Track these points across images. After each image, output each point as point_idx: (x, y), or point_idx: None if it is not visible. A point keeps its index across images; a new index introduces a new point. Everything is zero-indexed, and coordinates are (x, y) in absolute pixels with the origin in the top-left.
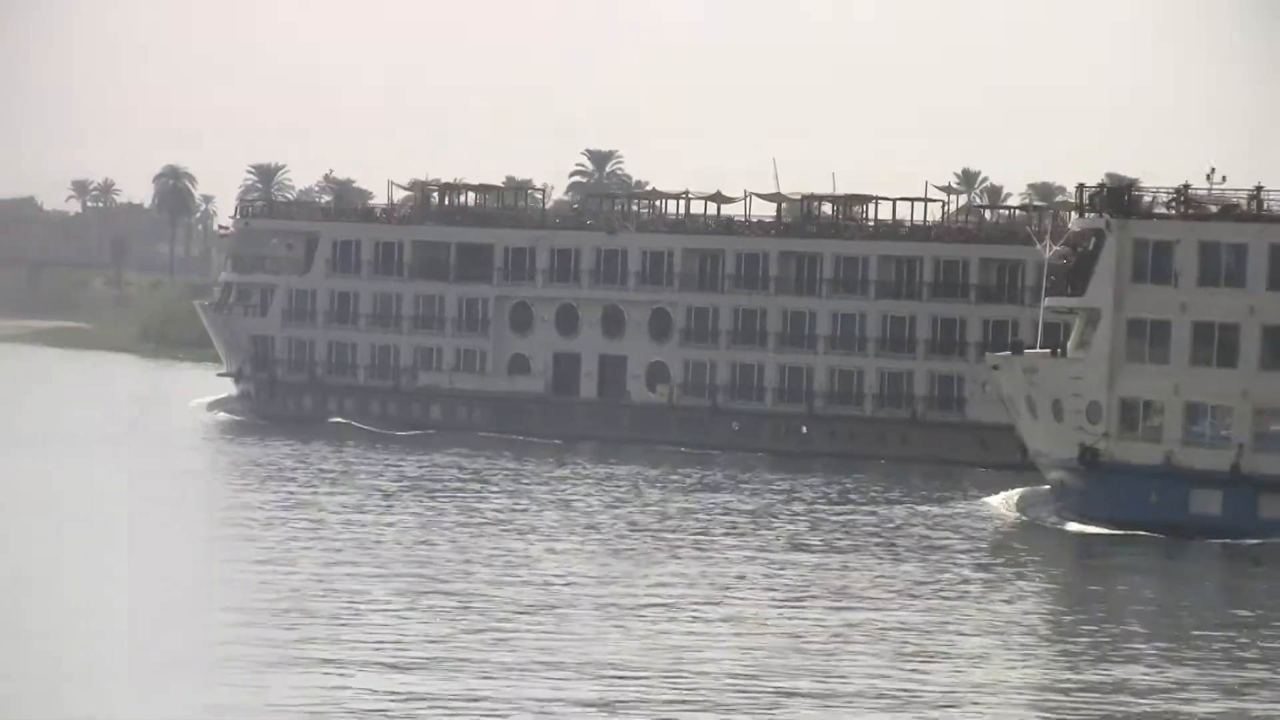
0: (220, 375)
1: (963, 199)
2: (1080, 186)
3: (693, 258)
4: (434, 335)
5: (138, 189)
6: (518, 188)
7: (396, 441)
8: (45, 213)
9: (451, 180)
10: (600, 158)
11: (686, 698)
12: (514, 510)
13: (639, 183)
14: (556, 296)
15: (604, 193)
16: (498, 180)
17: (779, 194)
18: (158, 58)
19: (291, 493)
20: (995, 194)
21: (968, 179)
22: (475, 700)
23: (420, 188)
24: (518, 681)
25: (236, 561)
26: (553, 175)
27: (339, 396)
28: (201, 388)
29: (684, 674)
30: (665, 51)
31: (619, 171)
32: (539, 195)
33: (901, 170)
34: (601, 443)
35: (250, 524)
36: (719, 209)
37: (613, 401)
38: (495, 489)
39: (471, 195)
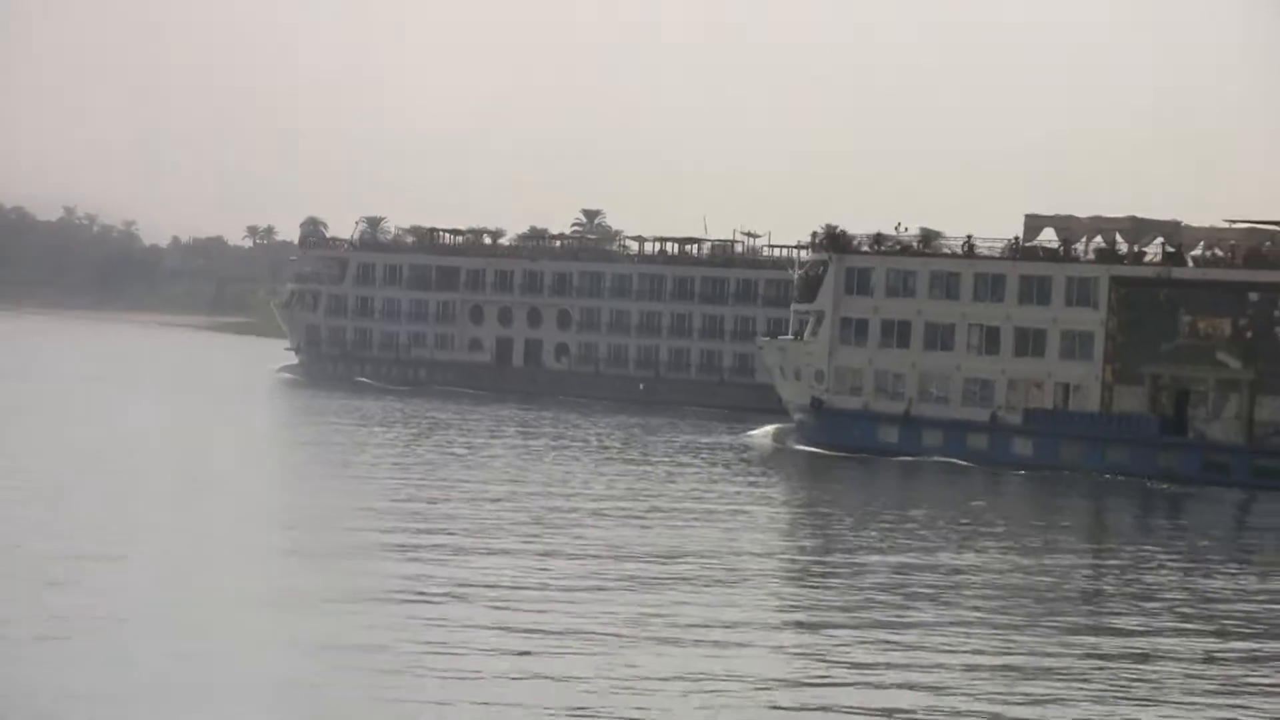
0: (286, 350)
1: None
2: (814, 233)
3: (585, 277)
4: (421, 325)
5: (290, 231)
6: (478, 231)
7: (396, 393)
8: (230, 247)
9: (435, 226)
10: (591, 214)
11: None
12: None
13: (618, 231)
14: (498, 301)
15: (535, 236)
16: (521, 226)
17: (661, 238)
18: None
19: (332, 422)
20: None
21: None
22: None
23: (418, 230)
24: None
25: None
26: (558, 225)
27: (361, 364)
28: (278, 357)
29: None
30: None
31: (602, 223)
32: (490, 237)
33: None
34: (525, 395)
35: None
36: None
37: (533, 369)
38: (453, 423)
39: (448, 236)
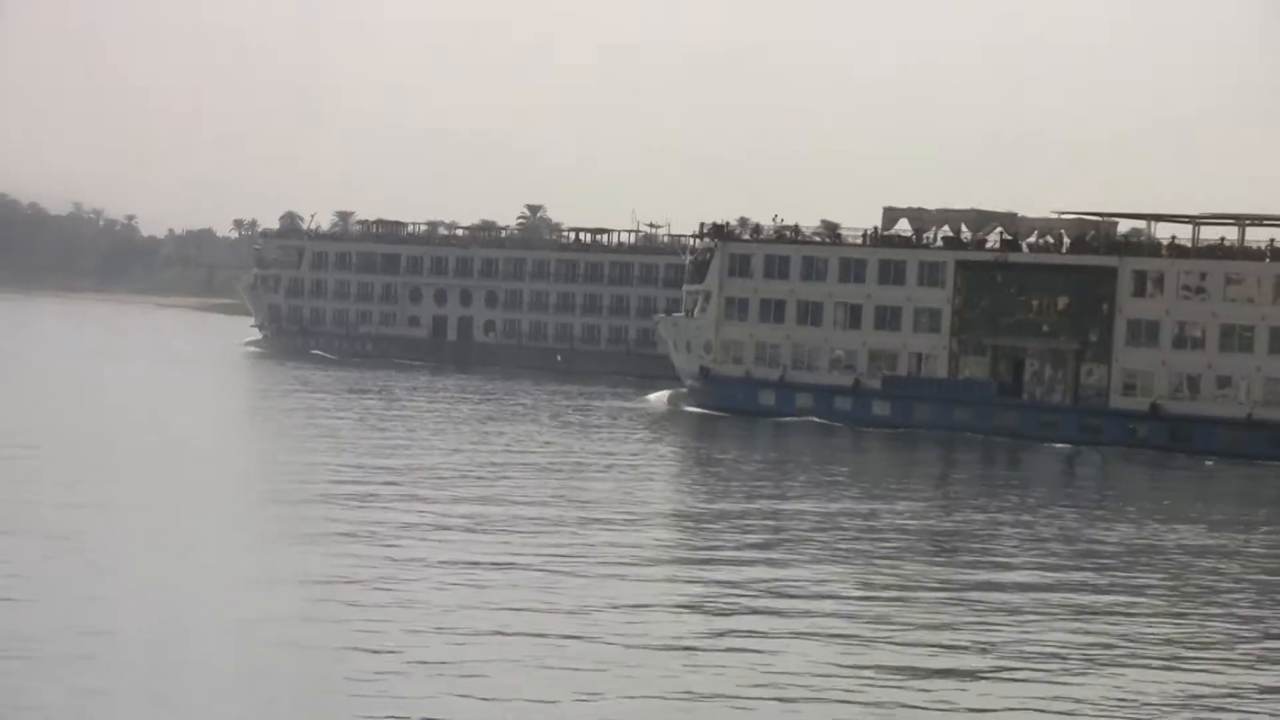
0: (252, 326)
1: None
2: (701, 224)
3: (509, 262)
4: (368, 304)
5: (272, 222)
6: (434, 224)
7: (348, 364)
8: (218, 238)
9: (382, 218)
10: (534, 208)
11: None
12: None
13: (557, 224)
14: (434, 283)
15: (485, 227)
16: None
17: (576, 228)
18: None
19: (294, 386)
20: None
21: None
22: None
23: (369, 222)
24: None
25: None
26: (505, 217)
27: (316, 338)
28: (245, 333)
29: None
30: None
31: (544, 216)
32: (446, 229)
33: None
34: (459, 365)
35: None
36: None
37: (465, 343)
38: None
39: (411, 227)
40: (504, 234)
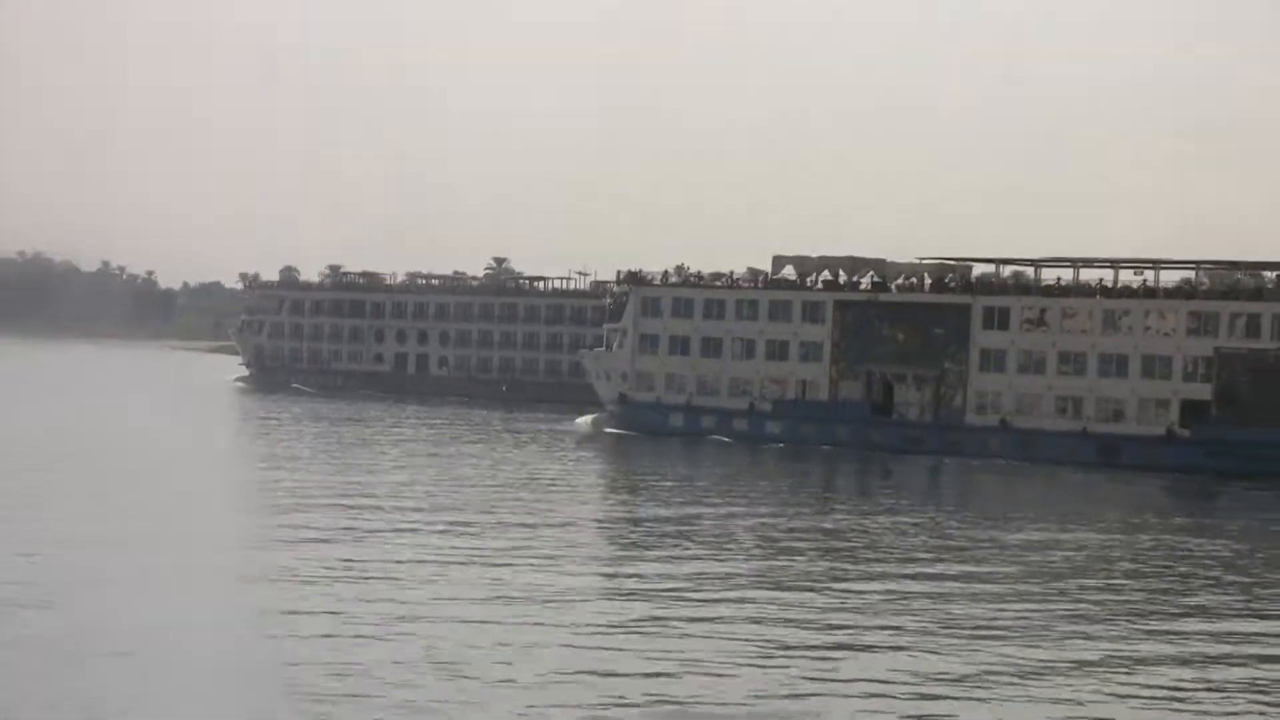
0: (239, 365)
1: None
2: (618, 272)
3: (459, 306)
4: (339, 344)
5: (274, 275)
6: (413, 274)
7: (321, 396)
8: (226, 289)
9: (367, 270)
10: (500, 259)
11: None
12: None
13: (519, 273)
14: (395, 324)
15: (457, 278)
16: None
17: (515, 275)
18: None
19: (274, 415)
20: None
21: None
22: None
23: (350, 273)
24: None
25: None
26: (473, 268)
27: (295, 375)
28: (235, 370)
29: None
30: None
31: (508, 266)
32: (405, 277)
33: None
34: (417, 395)
35: (253, 429)
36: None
37: (422, 376)
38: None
39: (389, 277)
40: (474, 283)
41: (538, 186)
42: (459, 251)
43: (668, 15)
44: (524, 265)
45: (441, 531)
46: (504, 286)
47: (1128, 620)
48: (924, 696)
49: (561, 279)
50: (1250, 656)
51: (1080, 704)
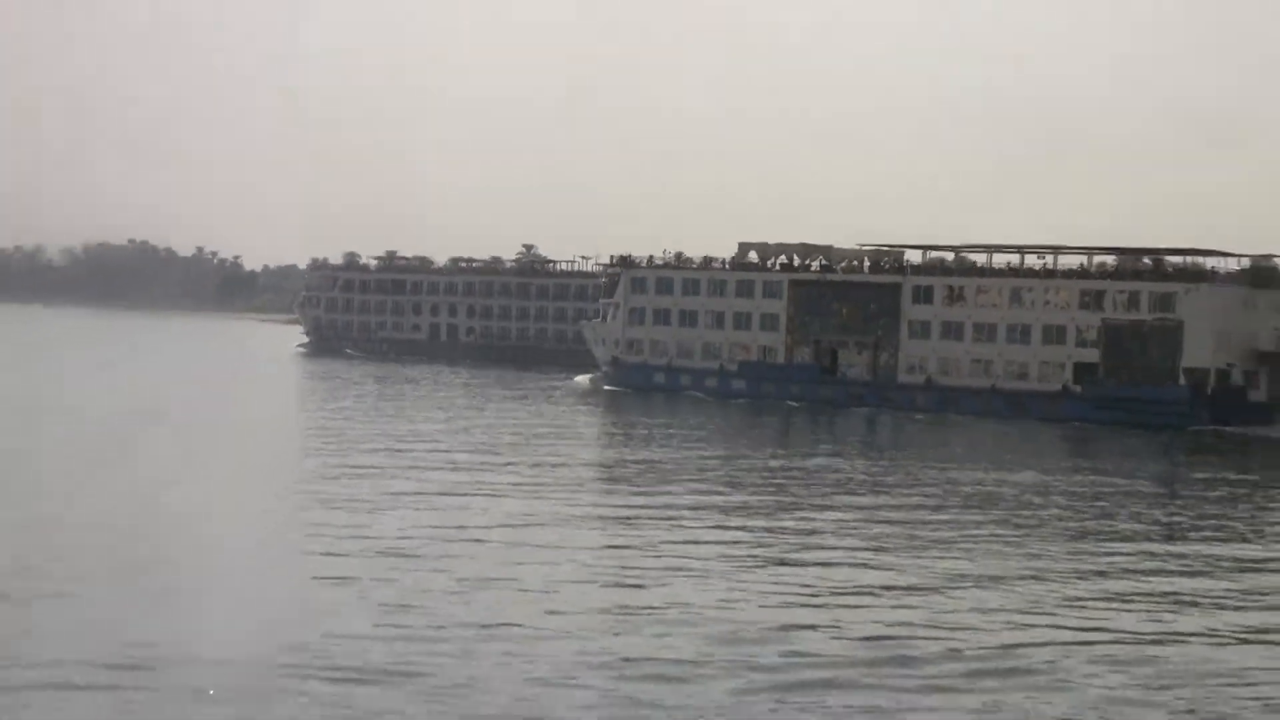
0: (301, 334)
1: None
2: (612, 256)
3: (484, 285)
4: (384, 316)
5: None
6: (456, 259)
7: (368, 359)
8: (300, 270)
9: (419, 254)
10: (529, 246)
11: None
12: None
13: (544, 257)
14: (432, 300)
15: (494, 261)
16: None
17: (531, 258)
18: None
19: (337, 375)
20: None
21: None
22: None
23: (393, 256)
24: None
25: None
26: (508, 253)
27: (347, 342)
28: (297, 339)
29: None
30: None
31: (536, 251)
32: (449, 261)
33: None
34: (449, 359)
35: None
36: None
37: (452, 343)
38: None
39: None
40: (509, 265)
41: (562, 182)
42: (501, 237)
43: (662, 15)
44: (549, 251)
45: (477, 468)
46: (526, 269)
47: (1025, 538)
48: (848, 595)
49: (568, 262)
50: (1129, 570)
51: (992, 608)
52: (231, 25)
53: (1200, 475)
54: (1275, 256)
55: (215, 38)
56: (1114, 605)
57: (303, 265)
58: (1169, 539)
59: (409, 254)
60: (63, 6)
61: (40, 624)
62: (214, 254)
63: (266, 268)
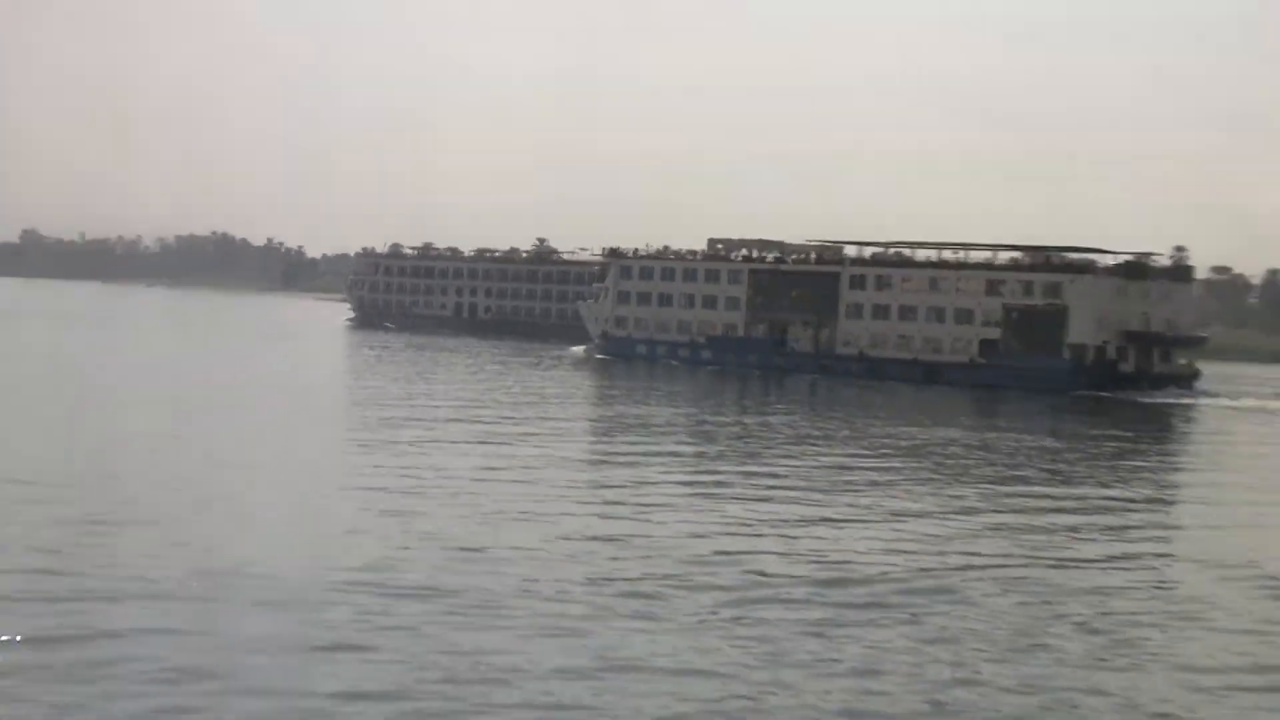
0: (349, 310)
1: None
2: (604, 248)
3: (499, 270)
4: (418, 296)
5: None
6: (481, 250)
7: (403, 331)
8: (352, 257)
9: (452, 245)
10: (541, 239)
11: None
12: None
13: (554, 249)
14: (455, 283)
15: (487, 250)
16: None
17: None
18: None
19: (382, 344)
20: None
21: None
22: None
23: (428, 246)
24: None
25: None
26: (522, 242)
27: (386, 317)
28: (345, 314)
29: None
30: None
31: (548, 244)
32: (475, 250)
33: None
34: (471, 331)
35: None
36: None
37: (471, 319)
38: (431, 344)
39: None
40: (524, 255)
41: (572, 187)
42: (521, 230)
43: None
44: (559, 244)
45: (499, 421)
46: (535, 258)
47: (941, 481)
48: (788, 526)
49: (569, 253)
50: (1025, 509)
51: (906, 537)
52: (285, 57)
53: (1080, 431)
54: (1150, 254)
55: (280, 68)
56: (1013, 535)
57: (354, 254)
58: (1055, 483)
59: (442, 245)
60: (167, 27)
61: (130, 545)
62: (281, 244)
63: (325, 255)
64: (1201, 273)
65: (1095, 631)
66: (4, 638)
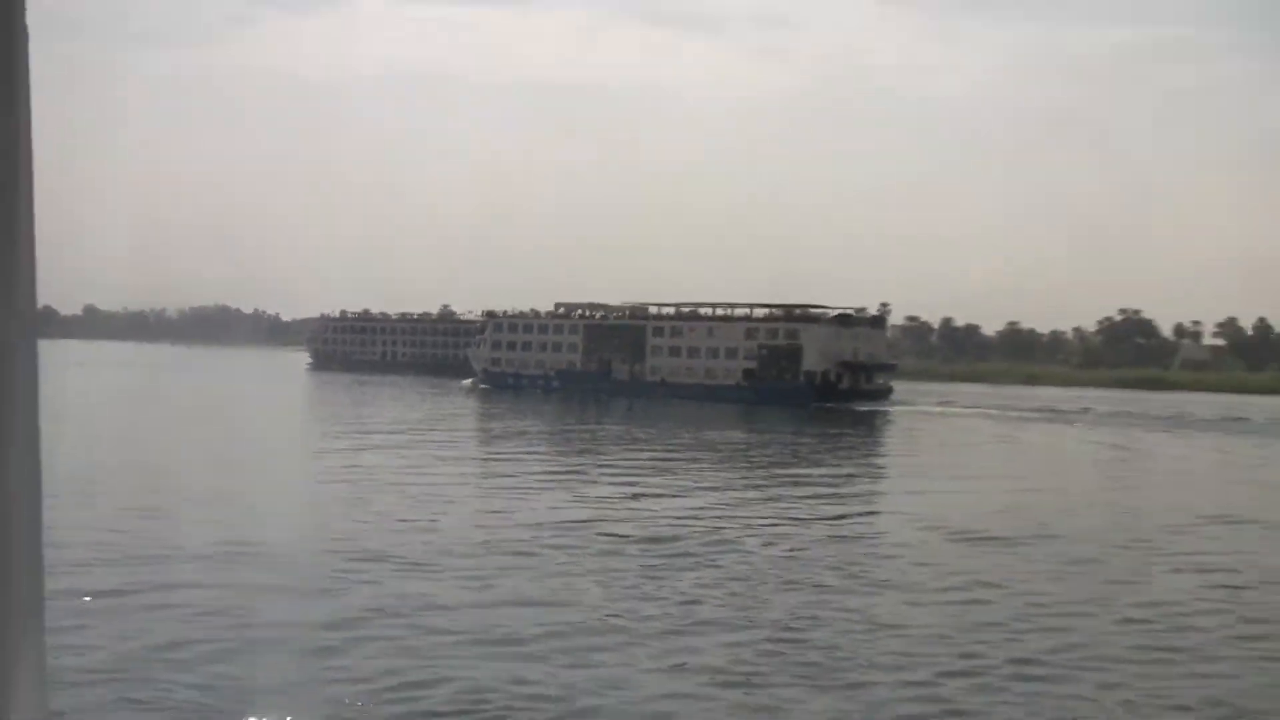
0: (307, 358)
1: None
2: (484, 311)
3: (409, 327)
4: (354, 346)
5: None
6: (489, 311)
7: (345, 372)
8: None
9: (374, 309)
10: (445, 305)
11: None
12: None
13: (454, 312)
14: (379, 338)
15: (402, 313)
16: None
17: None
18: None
19: (330, 380)
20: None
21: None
22: None
23: (365, 311)
24: None
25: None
26: (434, 308)
27: (333, 362)
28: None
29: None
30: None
31: (449, 308)
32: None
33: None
34: (391, 370)
35: (323, 394)
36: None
37: (392, 361)
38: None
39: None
40: (432, 317)
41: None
42: (431, 294)
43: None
44: (458, 307)
45: (415, 430)
46: (440, 319)
47: (721, 468)
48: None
49: (466, 313)
50: (776, 485)
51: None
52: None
53: (815, 430)
54: (861, 309)
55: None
56: (774, 504)
57: (315, 317)
58: (801, 465)
59: (375, 311)
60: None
61: (165, 531)
62: (265, 311)
63: (295, 319)
64: (898, 320)
65: (837, 568)
66: (89, 587)
